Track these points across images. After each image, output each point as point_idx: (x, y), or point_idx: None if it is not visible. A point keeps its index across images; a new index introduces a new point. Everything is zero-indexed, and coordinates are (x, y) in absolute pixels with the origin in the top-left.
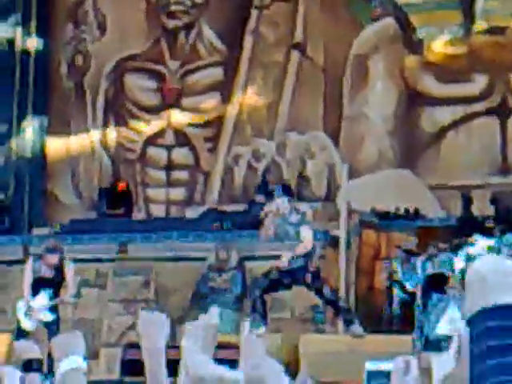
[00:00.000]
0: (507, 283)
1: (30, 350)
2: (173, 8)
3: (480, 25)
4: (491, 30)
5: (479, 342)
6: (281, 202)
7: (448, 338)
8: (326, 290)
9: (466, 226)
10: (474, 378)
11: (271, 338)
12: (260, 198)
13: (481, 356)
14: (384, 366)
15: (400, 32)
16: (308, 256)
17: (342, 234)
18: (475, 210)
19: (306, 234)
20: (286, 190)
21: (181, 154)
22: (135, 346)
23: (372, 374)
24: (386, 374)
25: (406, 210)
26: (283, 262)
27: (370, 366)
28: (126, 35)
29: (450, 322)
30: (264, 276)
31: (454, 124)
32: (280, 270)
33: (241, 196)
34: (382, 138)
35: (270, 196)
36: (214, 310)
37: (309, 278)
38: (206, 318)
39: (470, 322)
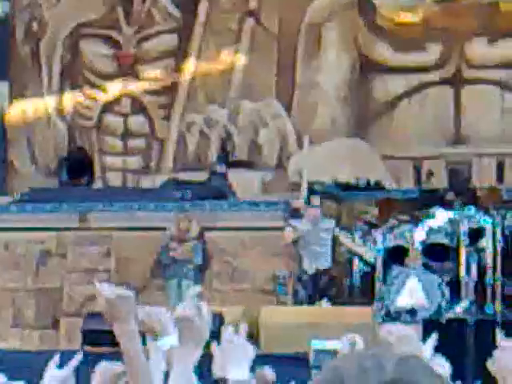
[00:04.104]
0: None
1: None
2: None
3: None
4: (445, 0)
5: None
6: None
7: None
8: None
9: (427, 199)
10: None
11: (232, 309)
12: (221, 168)
13: None
14: (330, 344)
15: (354, 0)
16: None
17: (302, 204)
18: (432, 182)
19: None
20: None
21: (137, 122)
22: (96, 315)
23: (319, 353)
24: (333, 352)
25: (367, 181)
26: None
27: (316, 345)
28: (81, 1)
29: (410, 293)
30: None
31: (408, 93)
32: None
33: (194, 164)
34: (334, 107)
35: (230, 165)
36: None
37: None
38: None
39: None
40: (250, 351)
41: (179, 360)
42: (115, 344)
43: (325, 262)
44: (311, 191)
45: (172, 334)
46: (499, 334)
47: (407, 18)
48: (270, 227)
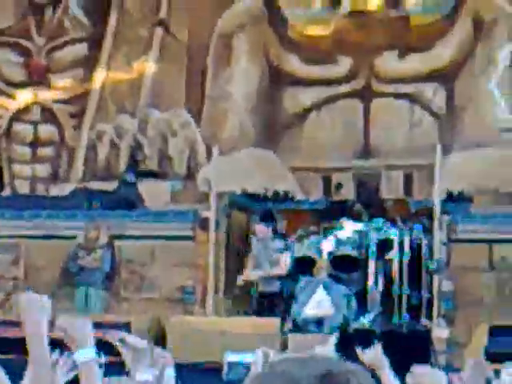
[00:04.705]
0: None
1: None
2: None
3: (345, 7)
4: (356, 13)
5: None
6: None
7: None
8: None
9: (335, 210)
10: None
11: (140, 318)
12: (130, 178)
13: None
14: (244, 357)
15: (266, 11)
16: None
17: (211, 214)
18: (341, 193)
19: (285, 259)
20: (267, 217)
21: (47, 131)
22: (3, 323)
23: (233, 365)
24: (247, 365)
25: (276, 192)
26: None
27: (230, 357)
28: None
29: (317, 304)
30: None
31: (317, 105)
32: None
33: (104, 173)
34: (244, 117)
35: (140, 175)
36: None
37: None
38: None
39: None
40: (153, 353)
41: None
42: (23, 352)
43: (274, 285)
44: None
45: (90, 347)
46: (358, 348)
47: (318, 30)
48: (178, 236)
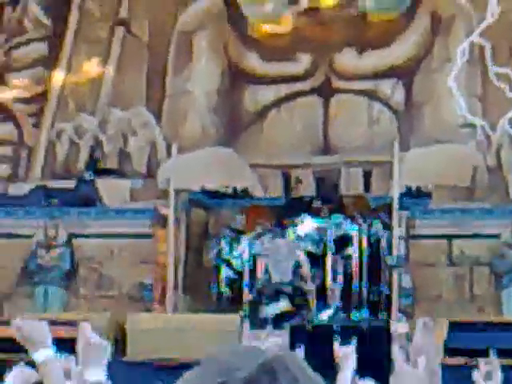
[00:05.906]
0: None
1: None
2: None
3: (302, 5)
4: (314, 10)
5: None
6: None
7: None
8: None
9: (294, 206)
10: None
11: (99, 316)
12: (89, 176)
13: None
14: None
15: (225, 9)
16: None
17: (170, 212)
18: (300, 189)
19: None
20: None
21: (5, 130)
22: None
23: None
24: None
25: (234, 189)
26: None
27: None
28: None
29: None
30: None
31: (277, 103)
32: None
33: (63, 172)
34: (204, 115)
35: (99, 173)
36: None
37: None
38: None
39: None
40: (106, 350)
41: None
42: None
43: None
44: None
45: (50, 347)
46: (336, 342)
47: (276, 28)
48: (137, 234)
